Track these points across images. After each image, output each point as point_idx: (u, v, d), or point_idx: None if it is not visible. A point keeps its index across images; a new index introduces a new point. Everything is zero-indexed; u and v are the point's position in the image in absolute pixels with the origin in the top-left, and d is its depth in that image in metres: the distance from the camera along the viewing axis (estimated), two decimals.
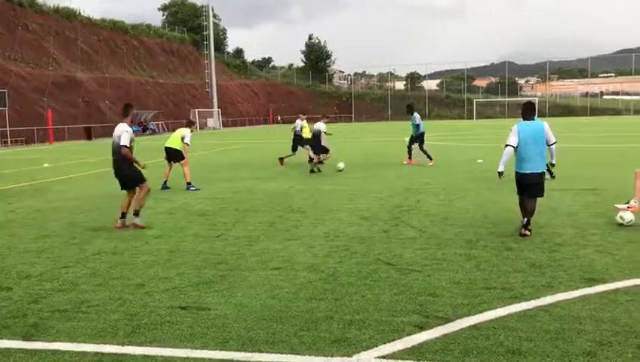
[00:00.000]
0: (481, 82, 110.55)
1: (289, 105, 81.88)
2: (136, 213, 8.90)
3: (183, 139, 13.62)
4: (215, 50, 74.12)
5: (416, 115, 18.13)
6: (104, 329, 4.62)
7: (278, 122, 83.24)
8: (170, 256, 7.04)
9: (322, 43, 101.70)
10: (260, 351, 4.11)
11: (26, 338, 4.48)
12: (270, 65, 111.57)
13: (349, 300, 5.18)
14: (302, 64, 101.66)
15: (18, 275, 6.32)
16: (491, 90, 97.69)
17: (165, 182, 13.54)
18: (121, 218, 8.90)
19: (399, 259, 6.59)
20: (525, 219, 7.59)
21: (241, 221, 9.18)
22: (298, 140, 18.42)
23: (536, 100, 79.91)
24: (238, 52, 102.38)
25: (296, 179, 15.00)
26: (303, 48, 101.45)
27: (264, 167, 18.18)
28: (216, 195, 12.26)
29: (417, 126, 18.02)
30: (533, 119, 7.80)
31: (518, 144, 7.52)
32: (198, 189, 13.12)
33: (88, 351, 4.20)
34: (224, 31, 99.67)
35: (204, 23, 73.02)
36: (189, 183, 13.36)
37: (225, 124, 71.89)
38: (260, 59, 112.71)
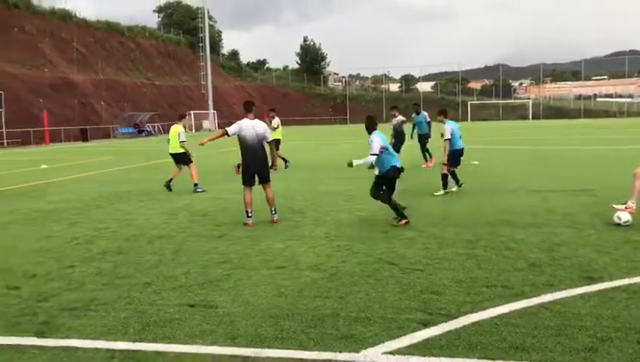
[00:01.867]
0: (475, 85, 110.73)
1: (284, 107, 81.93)
2: (274, 211, 9.39)
3: (178, 138, 13.63)
4: (211, 52, 74.07)
5: (425, 114, 18.52)
6: (115, 326, 4.70)
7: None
8: (174, 255, 7.12)
9: (317, 45, 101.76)
10: (269, 347, 4.21)
11: (38, 335, 4.56)
12: (265, 67, 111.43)
13: (353, 298, 5.28)
14: (297, 66, 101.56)
15: (24, 275, 6.39)
16: (485, 93, 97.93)
17: (170, 180, 13.60)
18: (248, 217, 9.22)
19: (401, 258, 6.69)
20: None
21: (243, 221, 9.25)
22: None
23: (530, 102, 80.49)
24: (234, 54, 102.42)
25: (293, 180, 15.08)
26: (298, 50, 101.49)
27: None
28: (217, 196, 12.33)
29: (429, 123, 18.32)
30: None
31: (383, 150, 8.95)
32: (204, 191, 13.18)
33: (100, 347, 4.29)
34: (219, 33, 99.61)
35: (200, 25, 72.98)
36: (195, 184, 13.39)
37: (220, 126, 71.89)
38: (254, 61, 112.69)
